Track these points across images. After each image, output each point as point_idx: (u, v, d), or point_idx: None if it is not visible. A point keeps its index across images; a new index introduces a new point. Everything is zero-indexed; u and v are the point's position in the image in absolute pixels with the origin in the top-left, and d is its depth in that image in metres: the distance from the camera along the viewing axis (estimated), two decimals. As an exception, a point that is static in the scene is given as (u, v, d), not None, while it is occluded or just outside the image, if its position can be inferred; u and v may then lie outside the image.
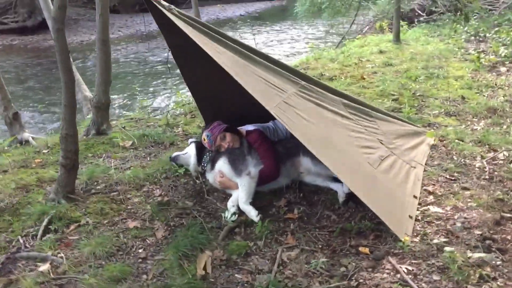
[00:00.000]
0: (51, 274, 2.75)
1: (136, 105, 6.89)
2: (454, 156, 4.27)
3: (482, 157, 4.18)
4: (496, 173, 3.90)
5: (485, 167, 3.98)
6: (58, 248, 2.99)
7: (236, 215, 3.36)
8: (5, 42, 18.74)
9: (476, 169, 4.02)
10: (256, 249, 3.06)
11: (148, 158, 4.36)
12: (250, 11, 28.11)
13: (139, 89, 9.20)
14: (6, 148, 4.78)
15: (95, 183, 3.79)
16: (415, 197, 3.57)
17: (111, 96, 5.50)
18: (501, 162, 4.11)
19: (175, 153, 4.02)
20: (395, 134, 4.32)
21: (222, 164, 3.68)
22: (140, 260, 2.94)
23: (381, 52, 8.50)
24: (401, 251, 2.95)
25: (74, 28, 23.12)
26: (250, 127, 3.98)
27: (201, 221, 3.32)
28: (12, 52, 17.39)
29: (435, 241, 3.01)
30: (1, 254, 2.94)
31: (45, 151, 4.62)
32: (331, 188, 3.72)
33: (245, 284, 2.73)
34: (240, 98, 3.52)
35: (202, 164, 3.86)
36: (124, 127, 5.18)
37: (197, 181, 3.88)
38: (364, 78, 6.76)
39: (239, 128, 4.01)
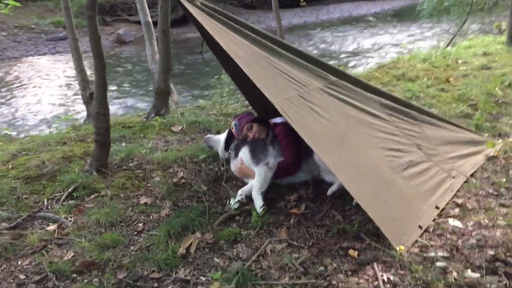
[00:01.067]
0: (56, 234, 3.08)
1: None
2: (510, 171, 3.79)
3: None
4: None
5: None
6: (72, 213, 3.32)
7: (239, 203, 3.40)
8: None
9: (530, 187, 3.54)
10: (246, 237, 3.08)
11: (190, 143, 4.58)
12: (386, 8, 27.41)
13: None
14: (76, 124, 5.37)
15: (130, 160, 4.10)
16: (437, 207, 3.28)
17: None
18: None
19: (209, 135, 4.18)
20: (442, 140, 3.98)
21: (244, 152, 3.74)
22: (136, 233, 3.15)
23: (485, 54, 7.73)
24: (390, 259, 2.75)
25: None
26: (279, 119, 3.98)
27: (206, 205, 3.42)
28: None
29: (431, 254, 2.75)
30: (26, 212, 3.35)
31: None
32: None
33: (219, 268, 2.77)
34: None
35: (229, 150, 3.96)
36: (182, 113, 5.47)
37: (222, 167, 3.98)
38: (449, 81, 6.23)
39: (269, 120, 4.02)
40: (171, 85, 6.25)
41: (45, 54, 18.54)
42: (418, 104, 5.40)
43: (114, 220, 3.24)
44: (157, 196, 3.56)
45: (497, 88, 5.58)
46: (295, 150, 3.69)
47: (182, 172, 3.90)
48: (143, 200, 3.50)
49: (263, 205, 3.34)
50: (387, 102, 3.90)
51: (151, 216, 3.33)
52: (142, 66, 14.77)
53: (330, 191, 3.48)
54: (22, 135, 6.39)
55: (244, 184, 3.73)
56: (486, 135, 4.50)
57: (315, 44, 18.19)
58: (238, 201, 3.43)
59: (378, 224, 2.85)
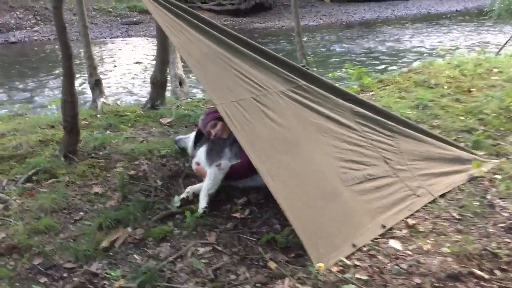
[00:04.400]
0: (-2, 215, 3.21)
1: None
2: (488, 195, 3.46)
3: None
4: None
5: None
6: (22, 195, 3.45)
7: (184, 201, 3.36)
8: (219, 21, 21.08)
9: (504, 215, 3.21)
10: (176, 237, 3.04)
11: (171, 136, 4.60)
12: (469, 6, 26.12)
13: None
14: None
15: (102, 149, 4.18)
16: (383, 226, 3.07)
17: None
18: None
19: (179, 136, 4.16)
20: (418, 155, 3.69)
21: (201, 152, 3.70)
22: (72, 221, 3.20)
23: (527, 64, 7.07)
24: (305, 276, 2.61)
25: (281, 14, 24.97)
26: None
27: (152, 200, 3.42)
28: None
29: (348, 275, 2.57)
30: (-17, 191, 3.52)
31: (99, 115, 5.23)
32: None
33: (133, 265, 2.76)
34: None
35: (196, 148, 3.93)
36: (179, 106, 5.50)
37: (186, 164, 3.96)
38: (470, 91, 5.77)
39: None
40: (183, 75, 6.31)
41: (117, 37, 19.46)
42: (422, 113, 5.08)
43: (58, 206, 3.31)
44: (110, 187, 3.61)
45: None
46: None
47: (146, 165, 3.92)
48: (95, 189, 3.56)
49: (205, 207, 3.28)
50: (361, 110, 3.69)
51: (96, 205, 3.38)
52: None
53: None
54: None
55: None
56: (482, 153, 4.12)
57: (382, 41, 17.63)
58: (183, 198, 3.39)
59: (301, 237, 2.71)
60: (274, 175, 2.95)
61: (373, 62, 13.52)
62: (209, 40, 3.41)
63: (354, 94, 3.88)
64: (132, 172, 3.75)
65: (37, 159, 3.87)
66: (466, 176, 3.74)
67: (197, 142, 3.94)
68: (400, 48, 15.94)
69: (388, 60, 13.73)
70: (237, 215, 3.26)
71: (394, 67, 11.74)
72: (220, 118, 3.80)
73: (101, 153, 4.12)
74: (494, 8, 12.15)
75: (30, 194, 3.45)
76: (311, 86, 3.59)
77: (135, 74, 12.34)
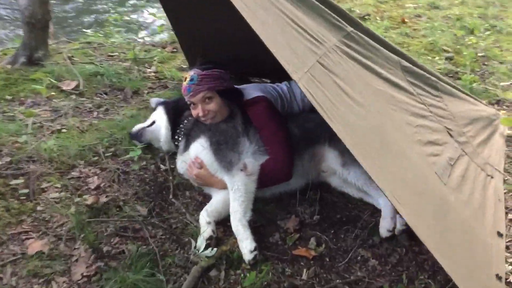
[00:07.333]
0: None
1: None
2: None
3: None
4: None
5: None
6: None
7: (210, 241, 2.01)
8: None
9: None
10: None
11: (95, 114, 2.92)
12: None
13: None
14: None
15: (-4, 157, 2.36)
16: (499, 234, 2.24)
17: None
18: None
19: (137, 127, 2.57)
20: (466, 118, 2.89)
21: (202, 148, 2.28)
22: None
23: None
24: None
25: None
26: (252, 90, 2.52)
27: (154, 250, 1.96)
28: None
29: None
30: None
31: None
32: (373, 204, 2.38)
33: None
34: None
35: (177, 138, 2.45)
36: (71, 57, 3.64)
37: (162, 166, 2.48)
38: (405, 22, 5.18)
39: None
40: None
41: None
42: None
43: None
44: (59, 234, 1.99)
45: (471, 37, 4.66)
46: (288, 145, 2.33)
47: (95, 178, 2.31)
48: (34, 246, 1.91)
49: (255, 248, 1.99)
50: (407, 64, 2.69)
51: (52, 285, 1.78)
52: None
53: (385, 233, 2.20)
54: None
55: (206, 195, 2.33)
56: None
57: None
58: (209, 238, 2.03)
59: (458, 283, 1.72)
60: (395, 193, 1.83)
61: None
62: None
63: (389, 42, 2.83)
64: (89, 200, 2.13)
65: None
66: (500, 138, 3.14)
67: (175, 127, 2.46)
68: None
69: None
70: (303, 252, 2.07)
71: None
72: (223, 92, 2.37)
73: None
74: None
75: None
76: (357, 32, 2.43)
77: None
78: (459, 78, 3.86)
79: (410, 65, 2.70)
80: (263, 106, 2.39)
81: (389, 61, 2.56)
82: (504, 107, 3.64)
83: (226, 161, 2.21)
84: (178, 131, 2.44)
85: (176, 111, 2.49)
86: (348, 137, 1.79)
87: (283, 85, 2.73)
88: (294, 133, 2.44)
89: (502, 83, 3.93)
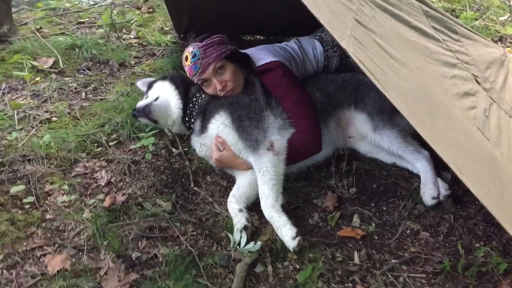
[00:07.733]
0: None
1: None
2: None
3: None
4: None
5: None
6: None
7: (246, 232, 1.81)
8: None
9: None
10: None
11: (83, 95, 2.58)
12: None
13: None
14: None
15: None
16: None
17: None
18: None
19: (143, 102, 2.16)
20: (485, 61, 2.74)
21: (223, 126, 2.02)
22: None
23: None
24: None
25: None
26: (262, 54, 2.24)
27: (189, 249, 1.74)
28: None
29: None
30: None
31: None
32: (408, 168, 2.22)
33: None
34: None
35: (189, 117, 2.17)
36: (39, 29, 3.21)
37: (174, 150, 2.21)
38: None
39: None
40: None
41: None
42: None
43: None
44: (79, 245, 1.74)
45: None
46: (310, 112, 2.11)
47: (103, 173, 2.04)
48: (54, 263, 1.66)
49: (296, 234, 1.79)
50: (427, 9, 2.48)
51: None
52: None
53: (430, 201, 2.02)
54: None
55: (229, 177, 2.11)
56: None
57: None
58: (245, 228, 1.82)
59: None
60: (460, 165, 1.66)
61: None
62: None
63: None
64: (105, 201, 1.87)
65: None
66: (514, 79, 3.00)
67: (186, 103, 2.17)
68: None
69: None
70: (349, 232, 1.90)
71: None
72: (231, 57, 2.09)
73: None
74: None
75: None
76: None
77: None
78: (457, 16, 3.67)
79: (430, 9, 2.51)
80: (280, 72, 2.13)
81: (412, 7, 2.38)
82: (507, 43, 3.50)
83: (251, 140, 1.97)
84: (188, 111, 2.16)
85: (185, 86, 2.20)
86: (404, 106, 1.59)
87: (292, 43, 2.46)
88: (316, 98, 2.22)
89: (500, 18, 3.77)
